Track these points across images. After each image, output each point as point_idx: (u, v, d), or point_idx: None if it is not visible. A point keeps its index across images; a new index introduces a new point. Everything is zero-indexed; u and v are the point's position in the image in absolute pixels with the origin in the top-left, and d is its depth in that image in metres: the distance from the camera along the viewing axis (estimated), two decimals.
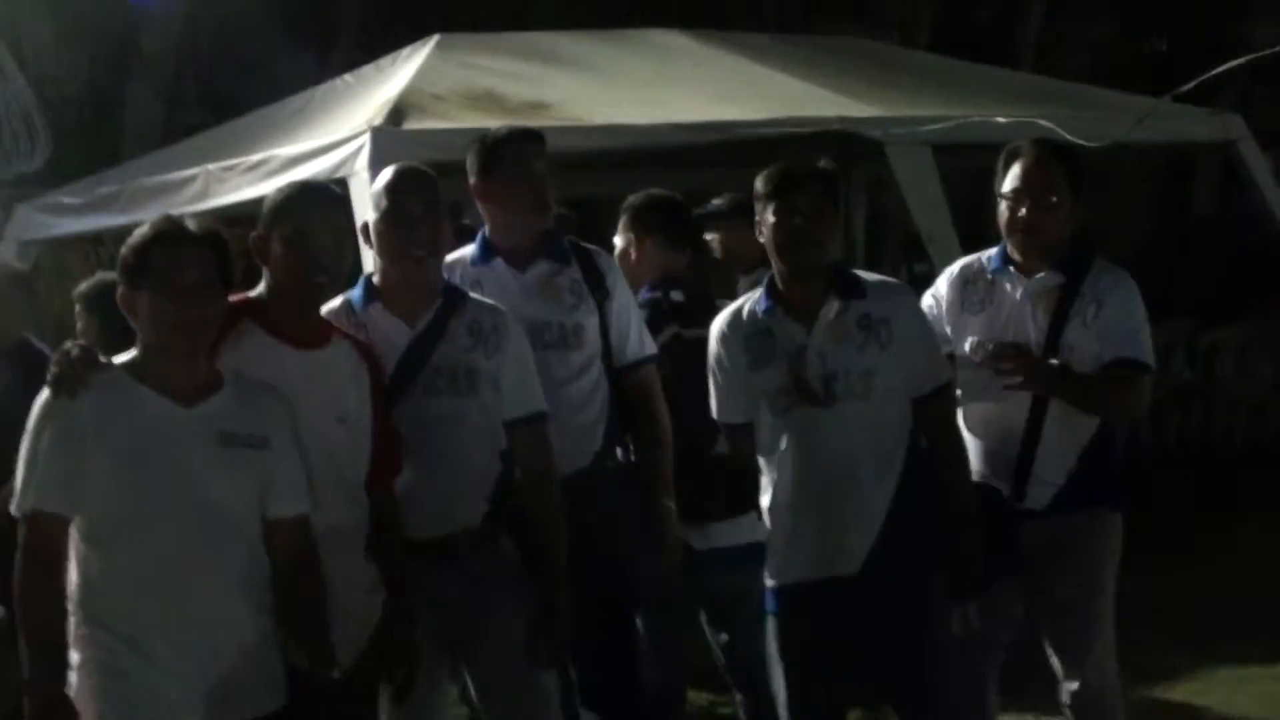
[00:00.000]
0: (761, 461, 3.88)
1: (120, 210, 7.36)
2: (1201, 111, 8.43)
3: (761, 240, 3.82)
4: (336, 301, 3.73)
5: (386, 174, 3.83)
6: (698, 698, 5.38)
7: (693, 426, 4.18)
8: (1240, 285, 11.26)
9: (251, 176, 6.63)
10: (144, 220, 3.35)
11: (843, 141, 7.02)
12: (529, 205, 4.14)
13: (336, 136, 6.39)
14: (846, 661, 3.78)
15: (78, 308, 4.69)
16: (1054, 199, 4.04)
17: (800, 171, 3.80)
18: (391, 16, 10.39)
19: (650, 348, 4.33)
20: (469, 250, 4.21)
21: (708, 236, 4.99)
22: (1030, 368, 3.95)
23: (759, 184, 3.81)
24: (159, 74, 10.53)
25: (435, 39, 7.53)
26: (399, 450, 3.64)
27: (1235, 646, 6.16)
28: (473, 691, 3.94)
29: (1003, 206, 4.08)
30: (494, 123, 4.99)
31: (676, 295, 4.63)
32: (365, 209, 4.02)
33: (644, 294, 4.56)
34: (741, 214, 5.13)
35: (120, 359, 3.25)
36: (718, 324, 3.93)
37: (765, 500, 3.87)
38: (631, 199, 4.81)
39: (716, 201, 5.19)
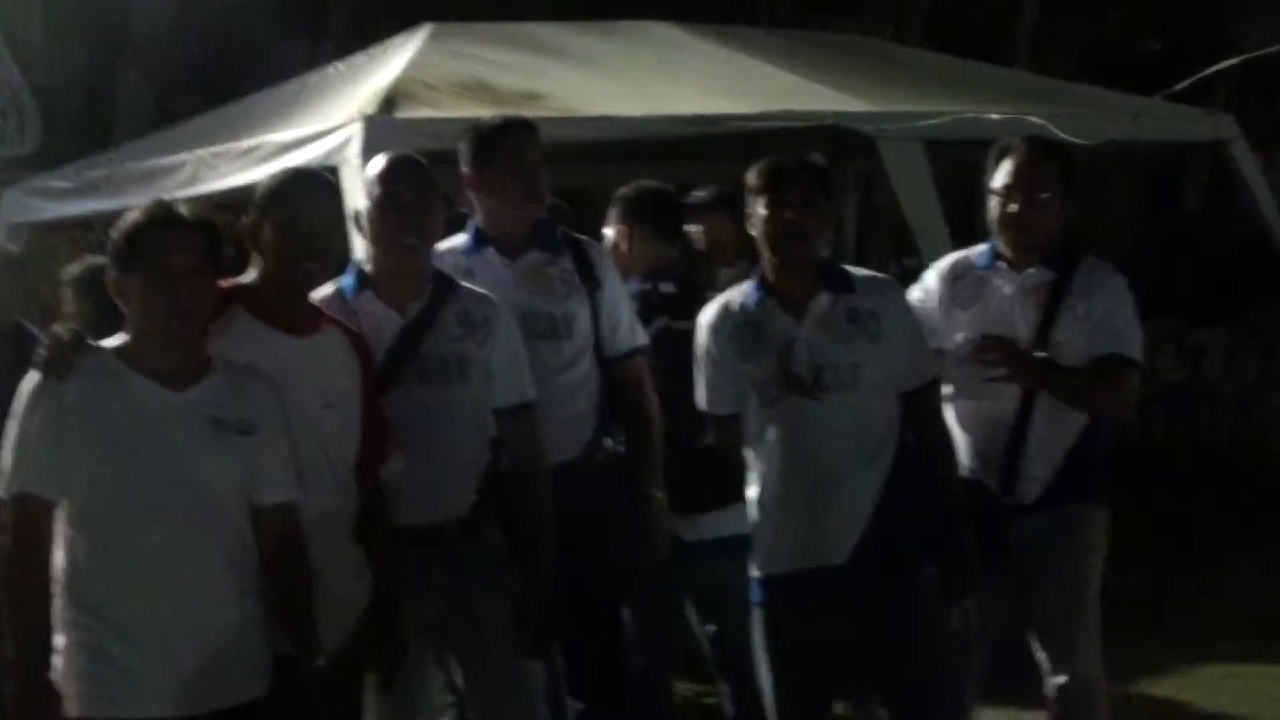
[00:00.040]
0: (749, 453, 3.88)
1: (109, 195, 7.34)
2: (1194, 111, 8.46)
3: (752, 232, 3.83)
4: (327, 289, 3.72)
5: (379, 162, 3.82)
6: (683, 688, 5.39)
7: (682, 417, 4.19)
8: (1227, 285, 11.30)
9: (242, 163, 6.62)
10: (133, 205, 3.33)
11: (835, 136, 7.02)
12: (522, 195, 4.14)
13: (328, 124, 6.38)
14: (833, 653, 3.80)
15: (67, 292, 4.68)
16: (1045, 196, 4.06)
17: (791, 165, 3.82)
18: (384, 5, 10.38)
19: (641, 338, 4.34)
20: (460, 239, 4.21)
21: (689, 228, 5.00)
22: (1015, 360, 3.96)
23: (751, 177, 3.83)
24: (150, 60, 10.51)
25: (428, 28, 7.51)
26: (388, 438, 3.64)
27: (1220, 642, 6.19)
28: (459, 680, 3.94)
29: (993, 202, 4.10)
30: (486, 113, 4.98)
31: (666, 287, 4.63)
32: (356, 197, 4.01)
33: (634, 285, 4.56)
34: (723, 206, 5.15)
35: (110, 343, 3.24)
36: (706, 315, 3.94)
37: (752, 492, 3.88)
38: (622, 190, 4.81)
39: (698, 193, 5.20)
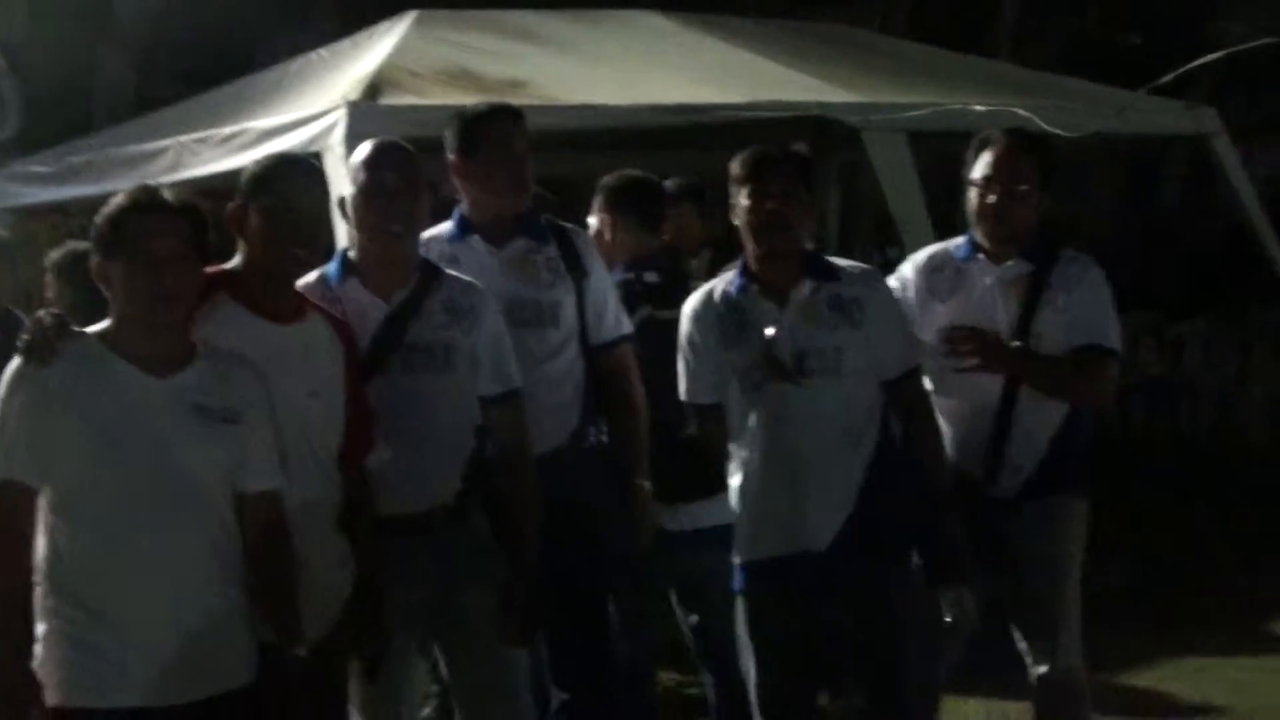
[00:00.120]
0: (731, 442, 3.89)
1: (90, 180, 7.30)
2: (1176, 105, 8.49)
3: (735, 222, 3.85)
4: (312, 276, 3.70)
5: (365, 148, 3.81)
6: (666, 678, 5.39)
7: (666, 407, 4.18)
8: (1207, 278, 11.34)
9: (225, 149, 6.60)
10: (114, 191, 3.31)
11: (820, 126, 7.03)
12: (508, 184, 4.13)
13: (312, 110, 6.36)
14: (816, 641, 3.80)
15: (48, 277, 4.66)
16: (1023, 188, 4.08)
17: (774, 155, 3.84)
18: None
19: (626, 327, 4.33)
20: (445, 227, 4.20)
21: None
22: (991, 350, 3.97)
23: (733, 167, 3.85)
24: (133, 44, 10.45)
25: (412, 15, 7.49)
26: (372, 426, 3.63)
27: (1200, 634, 6.23)
28: (443, 668, 3.94)
29: (972, 194, 4.12)
30: (470, 100, 4.97)
31: (650, 276, 4.63)
32: (340, 184, 4.00)
33: (618, 275, 4.56)
34: (687, 197, 5.17)
35: (93, 329, 3.22)
36: (690, 304, 3.95)
37: (734, 480, 3.90)
38: (606, 179, 4.81)
39: (665, 184, 5.19)
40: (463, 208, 4.21)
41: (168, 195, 3.23)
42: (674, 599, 4.66)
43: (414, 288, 3.75)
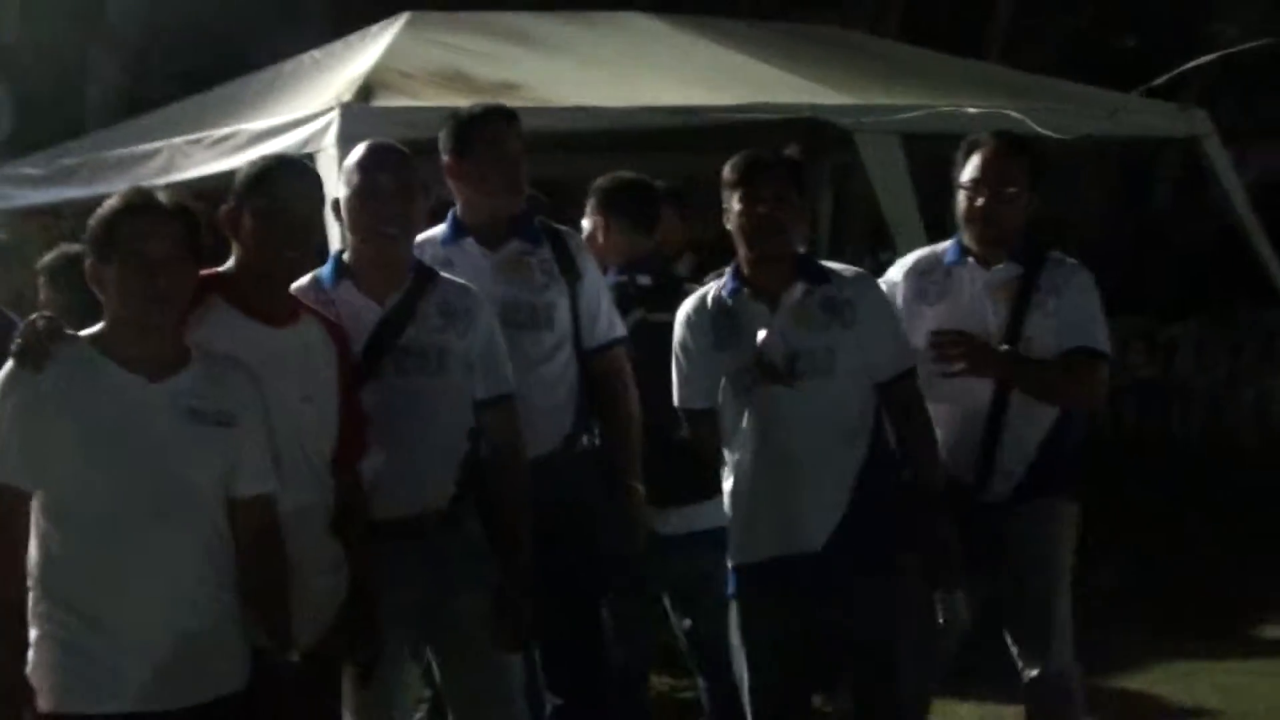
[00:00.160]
0: (724, 445, 3.89)
1: (82, 183, 7.29)
2: (1169, 107, 8.50)
3: (728, 226, 3.86)
4: (305, 278, 3.69)
5: (359, 150, 3.80)
6: (659, 682, 5.38)
7: (659, 410, 4.18)
8: (1199, 281, 11.36)
9: (217, 151, 6.59)
10: (106, 193, 3.31)
11: (812, 128, 7.03)
12: (502, 185, 4.13)
13: (304, 112, 6.35)
14: (809, 643, 3.80)
15: (40, 280, 4.64)
16: (1012, 190, 4.09)
17: (766, 159, 3.87)
18: None
19: (620, 330, 4.32)
20: (439, 229, 4.19)
21: None
22: (977, 354, 3.98)
23: (725, 171, 3.86)
24: (125, 47, 10.43)
25: (405, 16, 7.49)
26: (365, 430, 3.62)
27: (1191, 636, 6.23)
28: (436, 673, 3.93)
29: (961, 196, 4.13)
30: (463, 102, 4.96)
31: (643, 279, 4.63)
32: (333, 186, 3.99)
33: (611, 277, 4.55)
34: (670, 200, 5.16)
35: (87, 333, 3.21)
36: (683, 310, 3.96)
37: (727, 483, 3.90)
38: (599, 181, 4.80)
39: None
40: (457, 210, 4.21)
41: (162, 197, 3.22)
42: (667, 603, 4.65)
43: (408, 290, 3.74)
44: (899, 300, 4.14)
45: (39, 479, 3.12)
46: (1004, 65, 10.59)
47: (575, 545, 4.09)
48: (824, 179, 8.57)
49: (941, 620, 3.93)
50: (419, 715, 4.38)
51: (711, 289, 3.93)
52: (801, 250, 3.96)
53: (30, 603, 3.13)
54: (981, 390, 4.05)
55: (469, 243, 4.15)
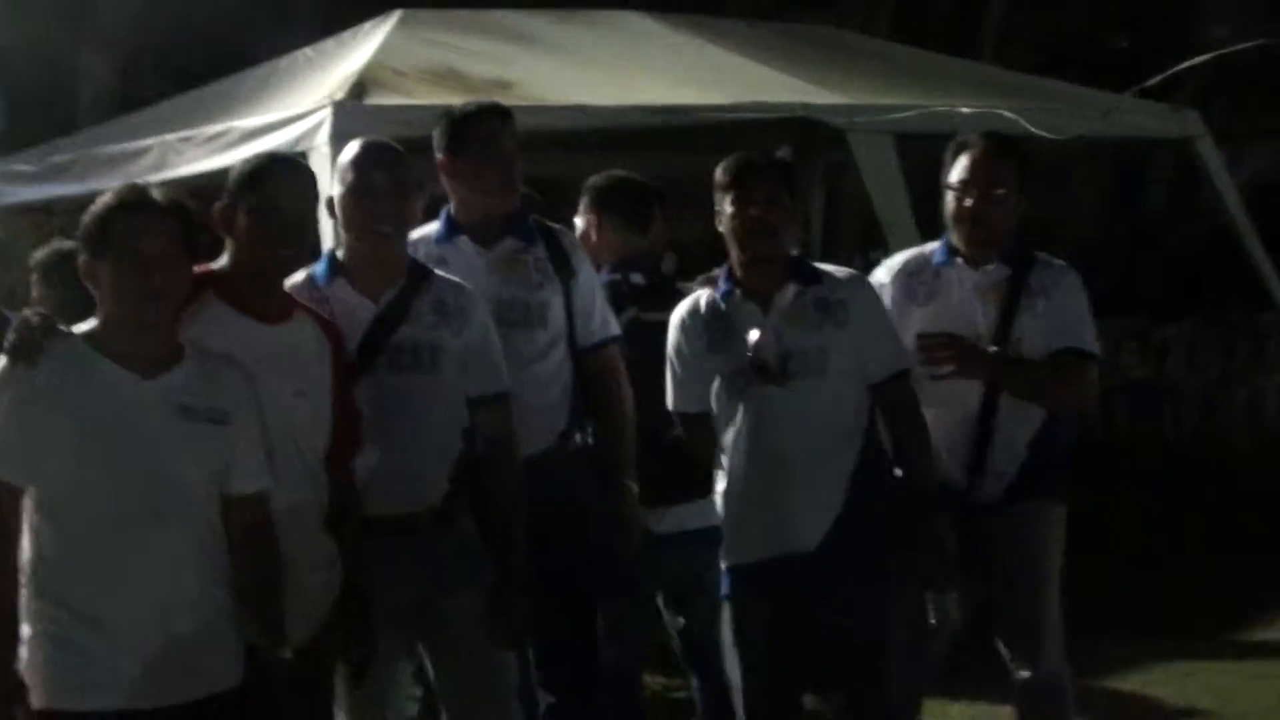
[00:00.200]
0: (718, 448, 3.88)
1: (73, 180, 7.27)
2: (1161, 108, 8.51)
3: (720, 229, 3.87)
4: (299, 276, 3.69)
5: (353, 148, 3.79)
6: (653, 681, 5.38)
7: (652, 409, 4.17)
8: (1191, 281, 11.36)
9: (209, 148, 6.57)
10: (98, 190, 3.30)
11: (805, 128, 7.03)
12: (497, 183, 4.12)
13: (297, 110, 6.34)
14: (802, 645, 3.80)
15: (34, 276, 4.63)
16: (1001, 191, 4.10)
17: (758, 162, 3.88)
18: None
19: (614, 328, 4.32)
20: (432, 227, 4.19)
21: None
22: (966, 356, 3.98)
23: (717, 174, 3.87)
24: (117, 45, 10.41)
25: (398, 14, 7.48)
26: (359, 428, 3.62)
27: (1185, 638, 6.23)
28: (429, 671, 3.92)
29: (950, 198, 4.14)
30: (456, 100, 4.95)
31: (636, 278, 4.62)
32: (326, 184, 3.98)
33: (604, 276, 4.55)
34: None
35: (80, 329, 3.20)
36: (677, 314, 3.97)
37: (720, 484, 3.90)
38: (592, 180, 4.80)
39: None
40: (450, 208, 4.20)
41: (156, 194, 3.21)
42: (661, 602, 4.65)
43: (402, 288, 3.74)
44: (887, 301, 4.14)
45: (32, 474, 3.11)
46: (996, 66, 10.60)
47: (569, 544, 4.08)
48: (816, 178, 8.57)
49: (933, 621, 3.93)
50: (411, 712, 4.36)
51: (705, 293, 3.93)
52: (794, 252, 3.96)
53: (24, 600, 3.12)
54: (971, 392, 4.05)
55: (463, 241, 4.15)
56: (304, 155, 5.77)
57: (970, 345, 4.00)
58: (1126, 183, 13.18)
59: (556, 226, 4.33)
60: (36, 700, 3.11)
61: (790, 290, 3.81)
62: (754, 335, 3.76)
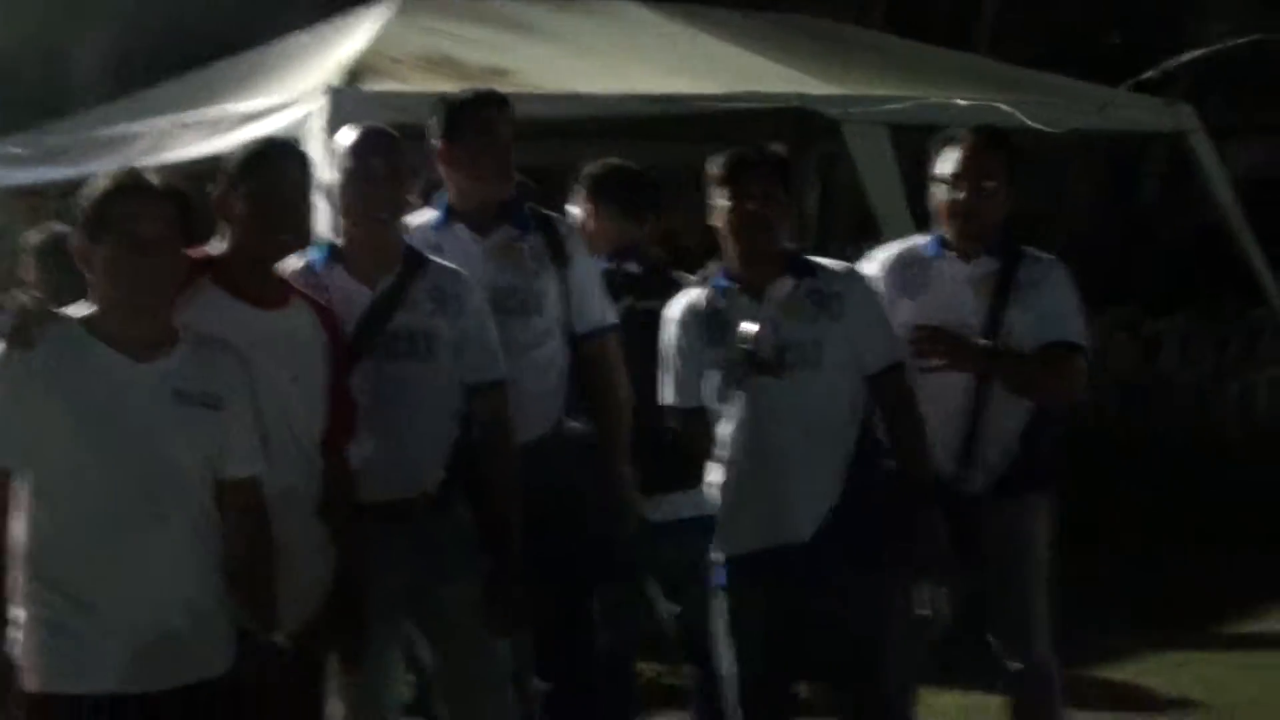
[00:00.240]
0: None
1: (67, 163, 7.26)
2: (1155, 102, 8.52)
3: (716, 224, 3.87)
4: (297, 262, 3.68)
5: (351, 134, 3.79)
6: (646, 668, 5.38)
7: (647, 397, 4.17)
8: (1185, 275, 11.37)
9: (204, 132, 6.57)
10: (92, 173, 3.29)
11: (800, 118, 7.04)
12: (493, 170, 4.12)
13: (292, 95, 6.34)
14: (795, 635, 3.81)
15: (28, 259, 4.62)
16: (991, 184, 4.10)
17: (753, 156, 3.88)
18: None
19: (611, 316, 4.32)
20: (428, 214, 4.18)
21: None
22: (956, 349, 3.98)
23: (712, 169, 3.87)
24: (110, 24, 10.37)
25: (394, 1, 7.46)
26: (354, 414, 3.61)
27: (1177, 629, 6.26)
28: (424, 657, 3.92)
29: (940, 190, 4.14)
30: (452, 87, 4.96)
31: (632, 267, 4.62)
32: (322, 169, 3.97)
33: (600, 265, 4.54)
34: None
35: (75, 313, 3.19)
36: (675, 308, 3.97)
37: (715, 475, 3.90)
38: (588, 168, 4.79)
39: None
40: (447, 195, 4.20)
41: (153, 178, 3.20)
42: (656, 589, 4.65)
43: (399, 275, 3.74)
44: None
45: (27, 458, 3.10)
46: (989, 58, 10.60)
47: (565, 531, 4.09)
48: (811, 169, 8.58)
49: (927, 612, 3.94)
50: (404, 697, 4.36)
51: (701, 289, 3.93)
52: (789, 246, 3.96)
53: (21, 583, 3.11)
54: (961, 385, 4.06)
55: (459, 228, 4.14)
56: (299, 141, 5.77)
57: (960, 338, 4.01)
58: (1121, 177, 13.18)
59: (553, 214, 4.33)
60: (29, 684, 3.11)
61: (786, 283, 3.82)
62: (750, 328, 3.76)
